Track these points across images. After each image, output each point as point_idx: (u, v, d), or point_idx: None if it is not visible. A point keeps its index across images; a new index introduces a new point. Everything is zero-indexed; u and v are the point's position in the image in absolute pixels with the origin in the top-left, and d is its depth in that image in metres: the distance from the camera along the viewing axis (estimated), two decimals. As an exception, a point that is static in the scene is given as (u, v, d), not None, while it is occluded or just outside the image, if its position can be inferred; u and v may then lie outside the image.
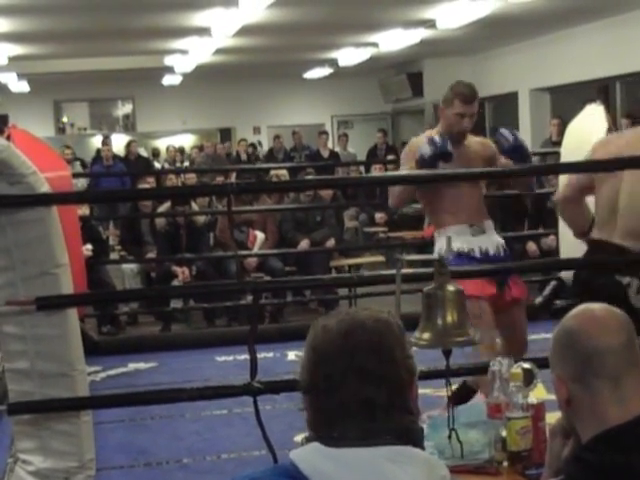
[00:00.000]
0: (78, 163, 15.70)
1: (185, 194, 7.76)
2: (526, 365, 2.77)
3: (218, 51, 14.08)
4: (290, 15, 11.30)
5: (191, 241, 9.42)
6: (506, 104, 15.83)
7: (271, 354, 7.46)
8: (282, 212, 9.91)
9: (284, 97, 19.38)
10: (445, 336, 2.91)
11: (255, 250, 9.41)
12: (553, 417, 2.30)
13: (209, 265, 9.32)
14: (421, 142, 4.87)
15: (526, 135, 15.00)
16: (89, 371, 5.64)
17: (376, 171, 11.00)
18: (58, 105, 19.77)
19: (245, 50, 14.36)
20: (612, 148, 4.32)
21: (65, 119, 20.00)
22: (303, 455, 1.74)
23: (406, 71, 17.45)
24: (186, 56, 14.79)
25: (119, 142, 18.23)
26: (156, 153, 19.25)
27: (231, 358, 7.66)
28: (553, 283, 8.60)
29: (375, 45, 14.36)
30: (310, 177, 9.19)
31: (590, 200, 4.56)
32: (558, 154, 8.04)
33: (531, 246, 9.39)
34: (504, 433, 2.75)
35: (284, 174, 10.43)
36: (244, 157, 17.02)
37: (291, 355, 7.56)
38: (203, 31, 12.17)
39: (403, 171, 5.07)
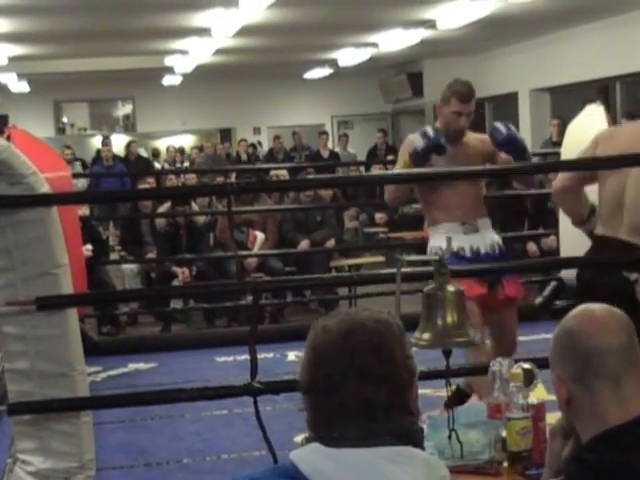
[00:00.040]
0: (79, 163, 15.70)
1: (185, 194, 7.76)
2: (526, 365, 2.77)
3: (218, 51, 14.08)
4: (290, 15, 11.30)
5: (191, 241, 9.42)
6: (506, 104, 15.83)
7: (271, 354, 7.46)
8: (282, 212, 9.91)
9: (284, 97, 19.38)
10: (445, 336, 2.91)
11: (255, 250, 9.41)
12: (553, 417, 2.30)
13: (209, 265, 9.32)
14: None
15: (526, 135, 14.97)
16: (89, 371, 5.64)
17: (376, 171, 10.99)
18: (58, 105, 19.77)
19: (245, 50, 14.36)
20: (616, 143, 4.27)
21: (65, 119, 20.00)
22: (303, 455, 1.74)
23: (406, 71, 17.45)
24: (186, 56, 14.79)
25: (119, 142, 18.22)
26: (156, 153, 19.25)
27: (231, 358, 7.66)
28: (553, 283, 8.60)
29: (375, 45, 14.36)
30: (311, 177, 9.18)
31: (590, 189, 4.53)
32: (558, 154, 8.03)
33: (531, 246, 9.39)
34: (504, 433, 2.75)
35: (284, 174, 10.42)
36: (244, 157, 17.02)
37: (291, 355, 7.56)
38: (203, 31, 12.17)
39: (398, 168, 5.08)
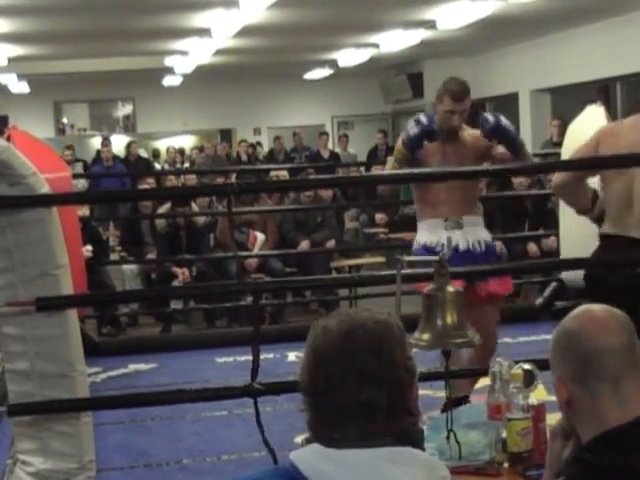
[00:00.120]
0: (80, 164, 15.70)
1: (185, 195, 7.76)
2: (526, 366, 2.77)
3: (218, 52, 14.08)
4: (290, 16, 11.30)
5: (191, 242, 9.42)
6: (507, 105, 15.82)
7: (271, 355, 7.45)
8: (282, 213, 9.91)
9: (284, 98, 19.38)
10: (445, 337, 2.91)
11: (255, 251, 9.41)
12: (554, 418, 2.30)
13: (209, 266, 9.31)
14: None
15: (527, 136, 14.99)
16: (89, 372, 5.63)
17: (376, 172, 10.98)
18: (58, 106, 19.77)
19: (245, 51, 14.36)
20: (619, 141, 4.25)
21: (65, 120, 20.01)
22: (303, 456, 1.74)
23: (406, 72, 17.45)
24: (186, 57, 14.79)
25: (119, 143, 18.22)
26: (156, 154, 19.25)
27: (231, 359, 7.66)
28: (553, 284, 8.60)
29: (375, 46, 14.36)
30: (311, 177, 9.18)
31: (591, 181, 4.51)
32: (559, 155, 8.03)
33: (532, 247, 9.38)
34: (505, 434, 2.75)
35: (284, 175, 10.43)
36: (244, 158, 17.02)
37: (291, 356, 7.55)
38: (203, 32, 12.18)
39: (392, 158, 5.09)
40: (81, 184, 11.01)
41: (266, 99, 19.13)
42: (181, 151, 18.60)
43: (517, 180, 9.35)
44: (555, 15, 11.97)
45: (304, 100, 19.68)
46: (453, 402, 3.99)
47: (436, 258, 3.01)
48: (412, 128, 4.83)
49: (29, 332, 3.87)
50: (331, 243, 9.81)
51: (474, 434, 2.85)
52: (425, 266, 4.24)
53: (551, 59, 14.04)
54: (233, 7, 10.28)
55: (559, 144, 8.91)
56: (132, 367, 7.72)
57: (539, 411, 2.75)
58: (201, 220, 9.57)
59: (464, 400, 4.83)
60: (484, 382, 3.72)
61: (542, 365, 2.50)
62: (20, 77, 16.40)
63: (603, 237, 4.39)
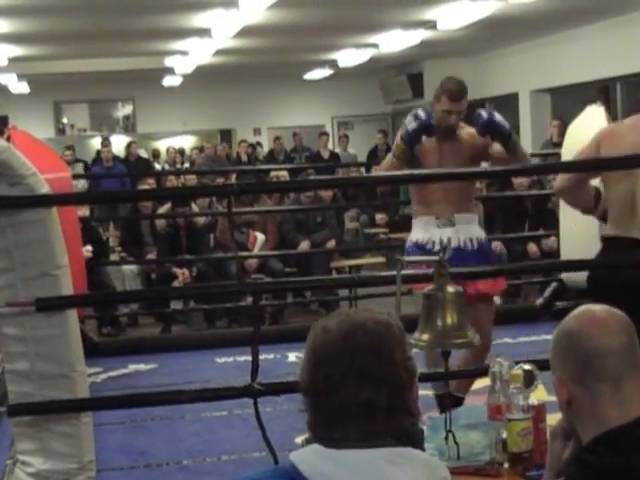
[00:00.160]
0: (80, 165, 15.70)
1: (185, 195, 7.76)
2: (527, 367, 2.77)
3: (218, 52, 14.08)
4: (290, 16, 11.30)
5: (191, 242, 9.42)
6: (507, 105, 15.81)
7: (271, 355, 7.45)
8: (282, 213, 9.91)
9: (284, 98, 19.38)
10: (444, 338, 2.91)
11: (255, 251, 9.41)
12: (554, 418, 2.30)
13: (209, 266, 9.31)
14: None
15: (527, 136, 15.01)
16: (89, 372, 5.64)
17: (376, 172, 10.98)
18: (58, 106, 19.76)
19: (245, 51, 14.36)
20: (621, 143, 4.24)
21: (65, 120, 20.00)
22: (303, 457, 1.74)
23: (406, 72, 17.45)
24: (186, 57, 14.79)
25: (119, 143, 18.22)
26: (156, 154, 19.25)
27: (231, 359, 7.65)
28: (554, 284, 8.60)
29: (375, 46, 14.36)
30: (311, 177, 9.18)
31: (592, 182, 4.50)
32: (559, 155, 8.04)
33: (532, 247, 9.38)
34: (505, 434, 2.75)
35: (284, 175, 10.42)
36: (244, 158, 17.02)
37: (291, 356, 7.55)
38: (203, 32, 12.17)
39: (390, 154, 5.09)
40: (81, 184, 11.00)
41: (266, 99, 19.13)
42: (181, 151, 18.60)
43: (517, 180, 9.36)
44: (555, 15, 11.97)
45: (304, 100, 19.68)
46: (452, 402, 4.00)
47: (436, 258, 3.01)
48: (410, 123, 4.86)
49: (29, 332, 3.87)
50: (331, 243, 9.81)
51: (474, 434, 2.85)
52: (418, 265, 4.26)
53: (551, 59, 14.04)
54: (233, 7, 10.28)
55: (559, 144, 8.91)
56: (132, 367, 7.71)
57: (539, 411, 2.75)
58: (201, 220, 9.57)
59: (460, 401, 4.85)
60: (484, 382, 3.71)
61: (542, 365, 2.50)
62: (20, 77, 16.40)
63: (605, 239, 4.38)
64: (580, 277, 6.93)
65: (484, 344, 4.83)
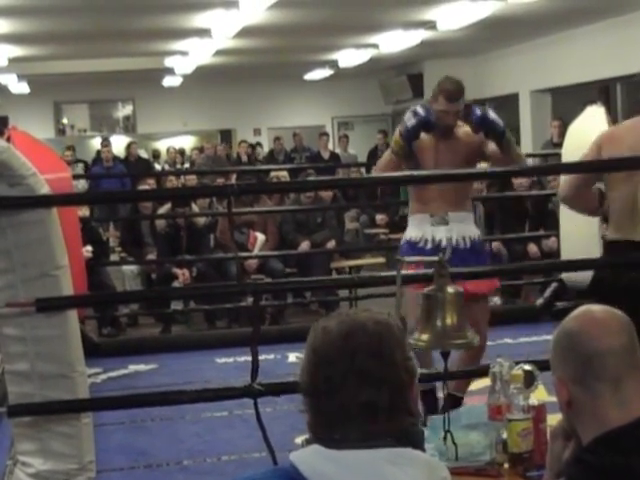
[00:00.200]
0: (80, 165, 15.70)
1: (185, 195, 7.76)
2: (527, 367, 2.77)
3: (218, 52, 14.08)
4: (290, 16, 11.30)
5: (191, 242, 9.42)
6: (507, 105, 15.82)
7: (272, 356, 7.44)
8: (283, 213, 9.91)
9: (284, 98, 19.38)
10: (444, 338, 2.91)
11: (255, 252, 9.40)
12: (554, 419, 2.30)
13: (209, 266, 9.31)
14: None
15: (527, 137, 15.03)
16: (89, 373, 5.63)
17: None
18: (58, 106, 19.77)
19: (245, 51, 14.36)
20: (623, 146, 4.24)
21: (65, 120, 20.01)
22: (303, 457, 1.74)
23: (406, 72, 17.45)
24: (186, 57, 14.79)
25: (119, 144, 18.22)
26: (156, 154, 19.25)
27: (231, 360, 7.65)
28: (554, 285, 8.60)
29: (375, 46, 14.36)
30: (311, 178, 9.18)
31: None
32: (559, 155, 8.04)
33: (532, 247, 9.38)
34: (505, 435, 2.75)
35: (284, 175, 10.42)
36: (244, 159, 17.02)
37: (292, 357, 7.55)
38: (203, 32, 12.18)
39: (387, 155, 5.10)
40: (81, 185, 11.00)
41: (266, 100, 19.14)
42: (181, 152, 18.60)
43: (517, 181, 9.36)
44: (555, 15, 11.97)
45: (304, 101, 19.68)
46: (452, 403, 3.99)
47: (436, 259, 3.01)
48: (409, 119, 4.88)
49: (29, 333, 3.87)
50: (331, 244, 9.81)
51: (474, 435, 2.85)
52: (413, 265, 4.26)
53: (551, 59, 14.04)
54: (233, 7, 10.28)
55: (559, 145, 8.91)
56: (132, 368, 7.71)
57: (539, 412, 2.75)
58: (201, 221, 9.57)
59: (459, 401, 4.85)
60: (484, 383, 3.71)
61: (542, 366, 2.50)
62: (20, 77, 16.40)
63: (608, 243, 4.38)
64: (580, 277, 6.95)
65: (480, 344, 4.84)
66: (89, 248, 8.46)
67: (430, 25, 12.30)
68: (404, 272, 4.28)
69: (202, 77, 17.20)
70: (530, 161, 11.58)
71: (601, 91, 13.30)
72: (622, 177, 4.21)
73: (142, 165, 16.36)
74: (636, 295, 3.91)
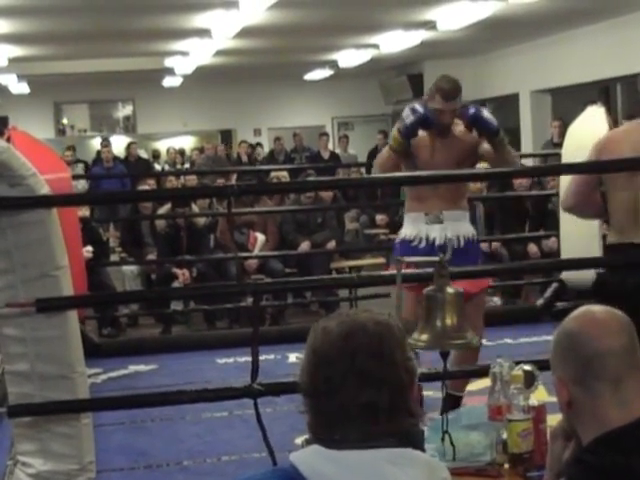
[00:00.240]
0: (81, 165, 15.70)
1: (185, 196, 7.76)
2: (527, 367, 2.77)
3: (218, 53, 14.08)
4: (290, 17, 11.30)
5: (191, 243, 9.41)
6: (507, 106, 15.83)
7: (272, 356, 7.45)
8: (283, 214, 9.91)
9: (284, 99, 19.39)
10: (443, 338, 2.91)
11: (255, 252, 9.40)
12: (554, 419, 2.30)
13: (209, 267, 9.31)
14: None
15: (527, 137, 15.03)
16: (89, 373, 5.63)
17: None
18: (58, 107, 19.77)
19: (245, 52, 14.36)
20: (624, 145, 4.23)
21: (65, 121, 20.01)
22: (303, 457, 1.74)
23: (407, 72, 17.45)
24: (186, 58, 14.79)
25: (119, 144, 18.22)
26: (156, 155, 19.26)
27: (232, 360, 7.65)
28: (554, 285, 8.59)
29: (376, 47, 14.36)
30: (311, 178, 9.18)
31: None
32: (559, 156, 8.04)
33: (532, 248, 9.38)
34: (505, 435, 2.74)
35: (285, 176, 10.42)
36: (245, 159, 17.02)
37: (292, 357, 7.55)
38: (203, 33, 12.18)
39: (385, 152, 5.09)
40: (81, 185, 11.00)
41: (266, 100, 19.14)
42: (181, 152, 18.60)
43: (517, 181, 9.35)
44: (555, 16, 11.97)
45: (304, 101, 19.68)
46: (452, 403, 3.99)
47: (436, 259, 3.01)
48: (408, 117, 4.88)
49: (29, 333, 3.87)
50: (331, 244, 9.81)
51: (475, 435, 2.85)
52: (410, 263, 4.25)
53: (552, 60, 14.04)
54: (233, 8, 10.28)
55: (560, 145, 8.91)
56: (132, 368, 7.71)
57: (540, 412, 2.75)
58: (201, 221, 9.56)
59: (458, 400, 4.85)
60: (484, 383, 3.71)
61: (543, 366, 2.50)
62: (20, 78, 16.39)
63: (609, 247, 4.37)
64: (581, 278, 6.95)
65: (476, 348, 4.84)
66: (89, 248, 8.46)
67: (430, 25, 12.30)
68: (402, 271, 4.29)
69: (202, 77, 17.20)
70: (530, 161, 11.61)
71: (601, 91, 13.30)
72: (623, 181, 4.21)
73: (142, 165, 16.36)
74: (634, 296, 3.91)
